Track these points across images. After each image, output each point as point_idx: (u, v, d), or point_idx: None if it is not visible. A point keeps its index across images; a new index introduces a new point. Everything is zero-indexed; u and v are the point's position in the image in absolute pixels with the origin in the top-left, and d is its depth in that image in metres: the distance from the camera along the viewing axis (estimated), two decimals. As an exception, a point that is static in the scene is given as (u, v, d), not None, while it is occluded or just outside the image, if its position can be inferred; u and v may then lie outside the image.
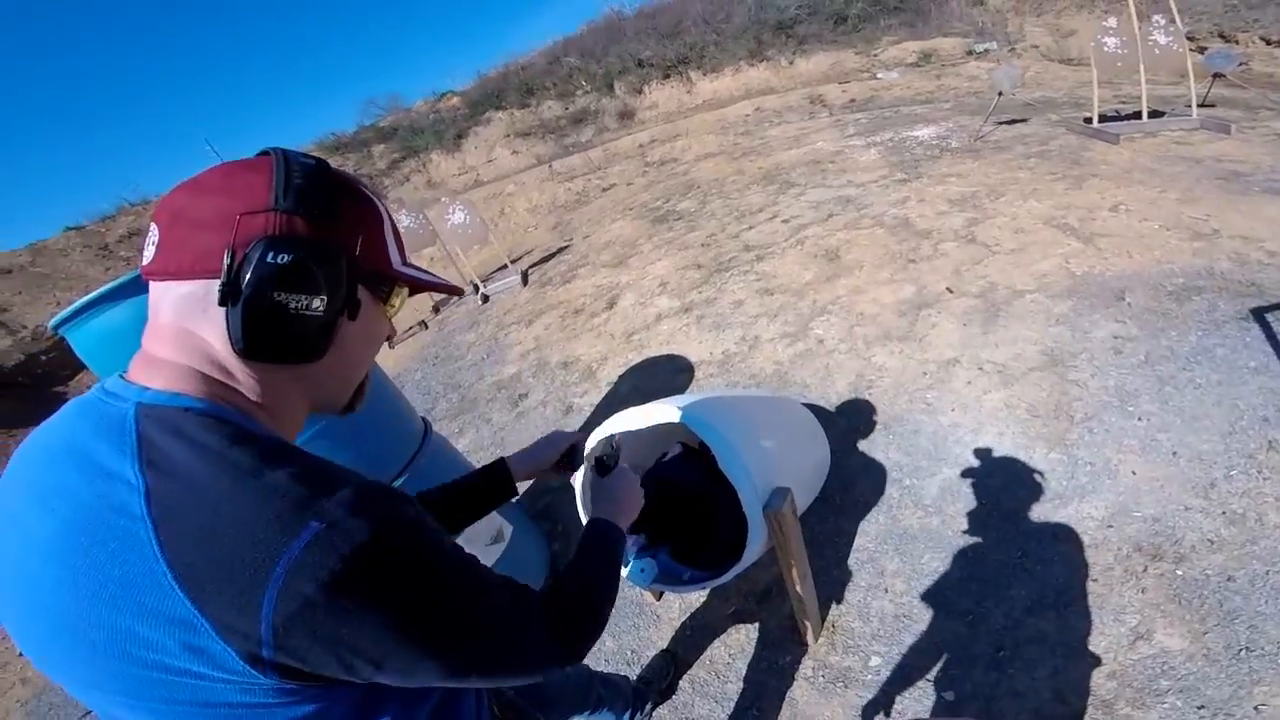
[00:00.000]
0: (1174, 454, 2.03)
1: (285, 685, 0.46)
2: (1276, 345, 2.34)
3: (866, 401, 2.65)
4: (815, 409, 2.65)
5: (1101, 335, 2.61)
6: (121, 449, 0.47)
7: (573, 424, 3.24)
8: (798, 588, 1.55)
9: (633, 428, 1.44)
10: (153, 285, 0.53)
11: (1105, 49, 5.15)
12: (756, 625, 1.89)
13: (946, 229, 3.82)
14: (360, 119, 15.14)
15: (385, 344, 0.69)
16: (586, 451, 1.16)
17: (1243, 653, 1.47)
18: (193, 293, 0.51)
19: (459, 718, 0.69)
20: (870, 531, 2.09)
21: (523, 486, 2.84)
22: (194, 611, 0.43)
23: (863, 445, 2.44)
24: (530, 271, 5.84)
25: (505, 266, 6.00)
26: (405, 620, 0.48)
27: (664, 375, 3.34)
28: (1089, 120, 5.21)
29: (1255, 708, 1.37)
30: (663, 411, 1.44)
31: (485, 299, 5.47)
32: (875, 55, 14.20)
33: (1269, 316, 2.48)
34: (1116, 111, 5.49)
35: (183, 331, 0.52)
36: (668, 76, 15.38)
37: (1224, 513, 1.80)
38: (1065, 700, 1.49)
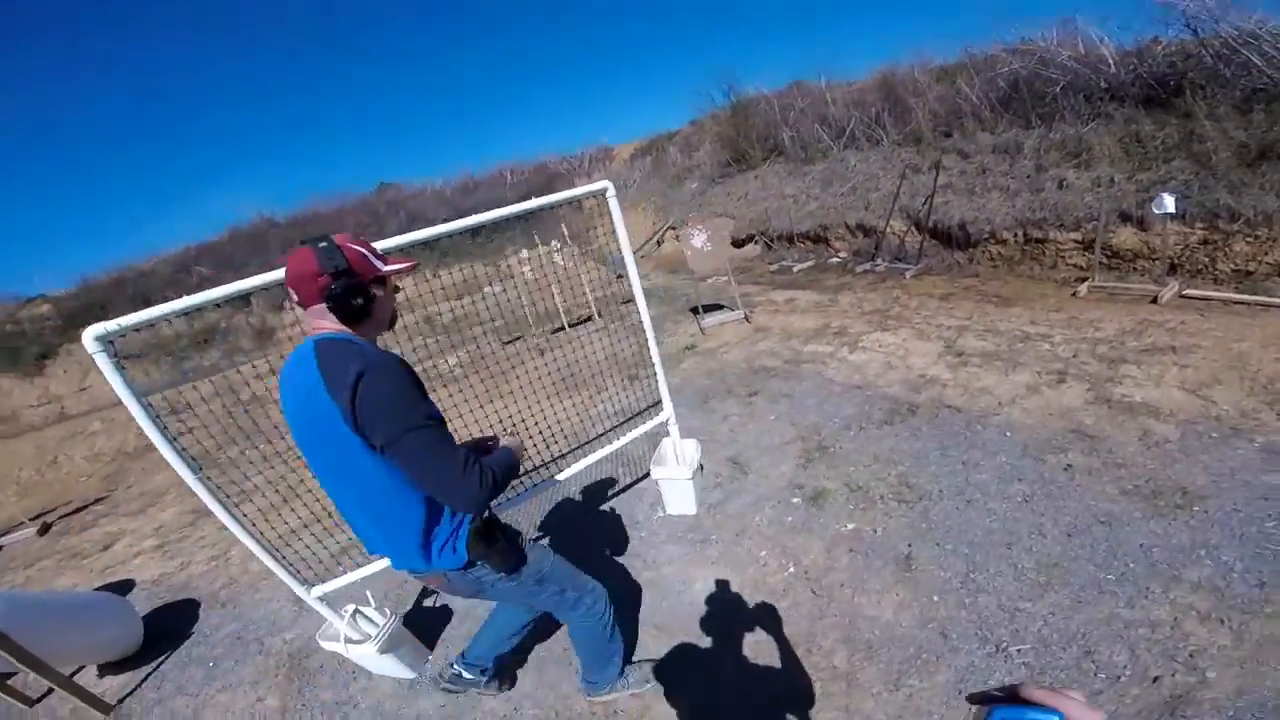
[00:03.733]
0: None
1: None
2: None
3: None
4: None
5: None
6: (310, 359, 1.23)
7: None
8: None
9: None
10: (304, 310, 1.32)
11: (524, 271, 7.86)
12: None
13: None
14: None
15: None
16: None
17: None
18: (319, 309, 1.30)
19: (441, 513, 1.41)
20: None
21: None
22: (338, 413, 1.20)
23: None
24: (58, 523, 5.58)
25: (22, 524, 5.59)
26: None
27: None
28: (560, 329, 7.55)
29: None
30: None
31: (-1, 549, 4.94)
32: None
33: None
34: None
35: (321, 314, 1.31)
36: (311, 289, 15.52)
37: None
38: None
